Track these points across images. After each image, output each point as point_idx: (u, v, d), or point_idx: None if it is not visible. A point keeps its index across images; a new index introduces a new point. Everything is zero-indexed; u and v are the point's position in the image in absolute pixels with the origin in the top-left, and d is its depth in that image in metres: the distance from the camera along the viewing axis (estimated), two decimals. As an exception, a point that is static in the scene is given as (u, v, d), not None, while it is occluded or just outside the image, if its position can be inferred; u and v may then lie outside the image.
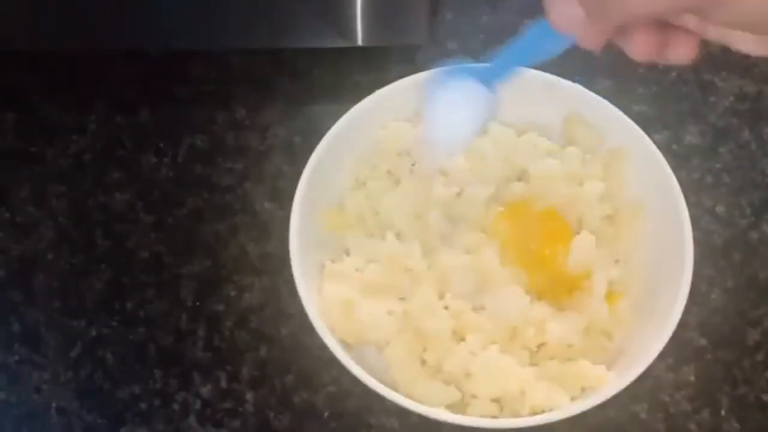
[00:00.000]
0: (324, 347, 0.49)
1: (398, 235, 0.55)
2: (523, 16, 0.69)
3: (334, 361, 0.49)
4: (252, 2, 0.60)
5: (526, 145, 0.57)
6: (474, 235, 0.54)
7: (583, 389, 0.50)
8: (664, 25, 0.37)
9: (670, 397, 0.55)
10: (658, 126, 0.64)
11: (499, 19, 0.70)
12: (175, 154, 0.63)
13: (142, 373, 0.55)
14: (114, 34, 0.63)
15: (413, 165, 0.57)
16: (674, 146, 0.64)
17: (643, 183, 0.56)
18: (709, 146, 0.65)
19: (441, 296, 0.52)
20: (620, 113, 0.56)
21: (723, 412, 0.55)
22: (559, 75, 0.57)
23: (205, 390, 0.55)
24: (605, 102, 0.57)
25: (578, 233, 0.54)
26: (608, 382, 0.49)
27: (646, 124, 0.56)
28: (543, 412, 0.48)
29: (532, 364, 0.51)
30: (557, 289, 0.54)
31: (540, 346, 0.52)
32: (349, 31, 0.62)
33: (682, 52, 0.37)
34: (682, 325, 0.49)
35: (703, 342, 0.57)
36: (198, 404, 0.54)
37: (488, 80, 0.46)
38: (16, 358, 0.56)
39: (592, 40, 0.38)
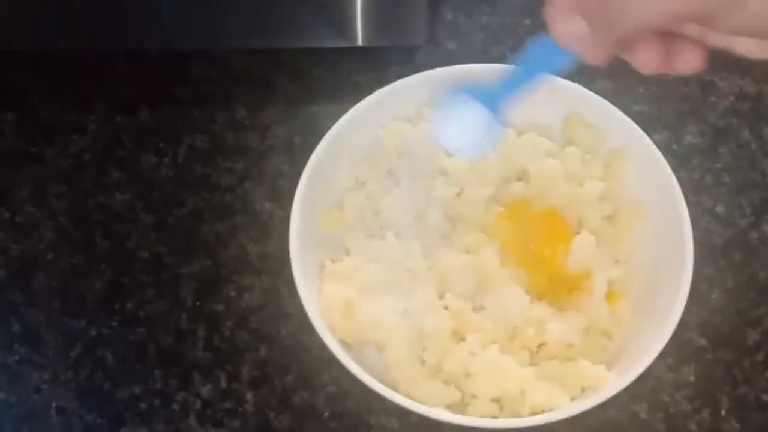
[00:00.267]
0: (324, 347, 0.49)
1: (398, 235, 0.55)
2: (522, 16, 0.70)
3: (334, 361, 0.49)
4: (252, 2, 0.60)
5: (526, 145, 0.57)
6: (474, 235, 0.54)
7: (583, 389, 0.50)
8: (668, 36, 0.37)
9: (670, 397, 0.55)
10: (658, 126, 0.64)
11: (499, 19, 0.70)
12: (175, 154, 0.63)
13: (142, 373, 0.55)
14: (114, 34, 0.63)
15: (413, 165, 0.57)
16: (674, 146, 0.64)
17: (643, 183, 0.56)
18: (709, 146, 0.65)
19: (441, 296, 0.52)
20: (620, 113, 0.56)
21: (723, 412, 0.55)
22: (559, 75, 0.57)
23: (205, 390, 0.55)
24: (605, 102, 0.57)
25: (578, 233, 0.54)
26: (608, 382, 0.49)
27: (646, 124, 0.56)
28: (543, 412, 0.48)
29: (532, 364, 0.51)
30: (557, 289, 0.54)
31: (540, 346, 0.52)
32: (349, 32, 0.62)
33: (688, 61, 0.37)
34: (682, 325, 0.49)
35: (703, 342, 0.57)
36: (198, 404, 0.54)
37: (494, 102, 0.46)
38: (16, 358, 0.56)
39: (596, 56, 0.37)
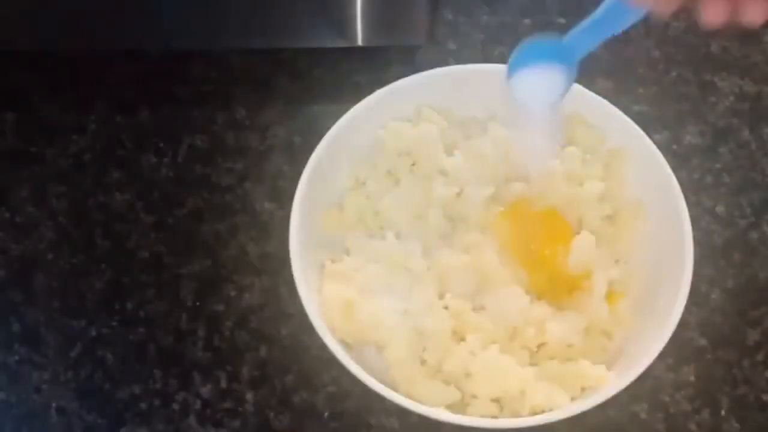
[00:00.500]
0: (324, 347, 0.49)
1: (398, 235, 0.55)
2: (522, 16, 0.70)
3: (334, 361, 0.49)
4: (252, 2, 0.60)
5: (526, 145, 0.57)
6: (474, 235, 0.54)
7: (583, 389, 0.50)
8: None
9: (670, 397, 0.55)
10: (658, 126, 0.64)
11: (499, 19, 0.70)
12: (175, 154, 0.63)
13: (142, 373, 0.55)
14: (114, 34, 0.63)
15: (413, 165, 0.57)
16: (674, 146, 0.64)
17: (643, 183, 0.56)
18: (709, 146, 0.65)
19: (441, 296, 0.52)
20: (620, 113, 0.57)
21: (723, 412, 0.55)
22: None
23: (205, 390, 0.55)
24: (605, 102, 0.57)
25: (578, 233, 0.54)
26: (608, 382, 0.49)
27: (646, 124, 0.57)
28: (543, 412, 0.48)
29: (532, 364, 0.51)
30: (557, 289, 0.54)
31: (540, 346, 0.52)
32: (349, 32, 0.62)
33: (753, 14, 0.38)
34: (682, 325, 0.49)
35: (703, 342, 0.57)
36: (198, 404, 0.54)
37: (565, 58, 0.47)
38: (16, 358, 0.56)
39: (666, 7, 0.38)
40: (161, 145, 0.64)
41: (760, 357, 0.57)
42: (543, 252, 0.54)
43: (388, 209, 0.55)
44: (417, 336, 0.51)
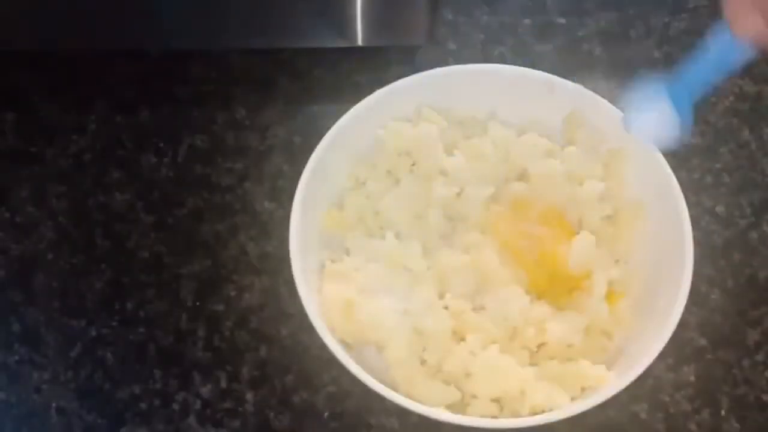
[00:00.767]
0: (324, 347, 0.49)
1: (398, 235, 0.55)
2: (522, 16, 0.70)
3: (334, 361, 0.49)
4: (252, 2, 0.60)
5: (526, 145, 0.57)
6: (474, 234, 0.54)
7: (583, 389, 0.50)
8: None
9: (670, 397, 0.55)
10: (658, 126, 0.64)
11: (499, 19, 0.70)
12: (175, 154, 0.63)
13: (142, 373, 0.55)
14: (114, 34, 0.63)
15: (413, 165, 0.57)
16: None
17: (643, 183, 0.56)
18: (709, 146, 0.65)
19: (441, 296, 0.52)
20: (620, 113, 0.56)
21: (723, 412, 0.55)
22: (559, 75, 0.57)
23: (205, 390, 0.55)
24: (605, 102, 0.57)
25: (578, 233, 0.54)
26: (608, 382, 0.49)
27: (646, 124, 0.56)
28: (543, 412, 0.48)
29: (532, 364, 0.51)
30: (557, 289, 0.54)
31: (540, 346, 0.52)
32: (349, 32, 0.62)
33: None
34: (682, 325, 0.49)
35: (703, 342, 0.57)
36: (198, 404, 0.54)
37: (679, 101, 0.49)
38: (16, 358, 0.56)
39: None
40: (161, 145, 0.64)
41: (760, 357, 0.57)
42: (543, 252, 0.54)
43: (388, 209, 0.55)
44: (417, 336, 0.51)
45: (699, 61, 0.48)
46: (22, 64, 0.66)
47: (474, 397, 0.50)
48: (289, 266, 0.51)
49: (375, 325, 0.51)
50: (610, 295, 0.53)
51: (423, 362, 0.51)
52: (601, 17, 0.70)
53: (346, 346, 0.51)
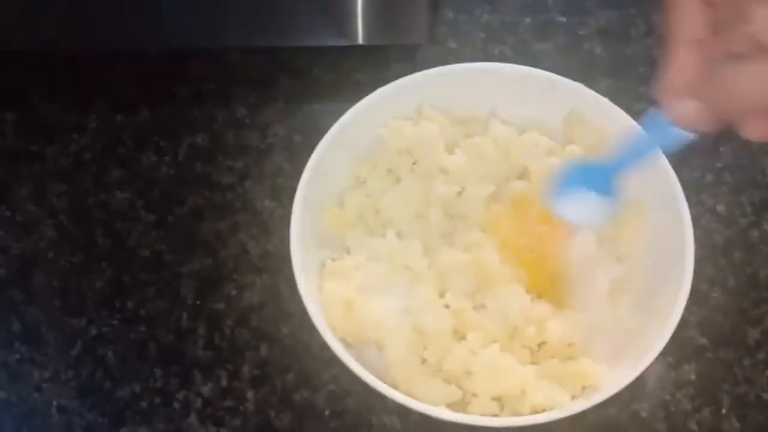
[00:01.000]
0: (324, 346, 0.49)
1: (399, 234, 0.55)
2: (523, 15, 0.70)
3: (334, 360, 0.49)
4: (252, 2, 0.60)
5: (527, 144, 0.57)
6: (474, 233, 0.54)
7: (583, 388, 0.50)
8: None
9: (671, 396, 0.55)
10: (659, 125, 0.64)
11: (499, 18, 0.70)
12: (176, 152, 0.63)
13: (143, 371, 0.55)
14: (114, 34, 0.63)
15: (414, 163, 0.57)
16: (675, 145, 0.64)
17: (643, 182, 0.56)
18: (710, 145, 0.65)
19: (441, 295, 0.52)
20: (621, 112, 0.56)
21: (724, 411, 0.55)
22: (559, 74, 0.57)
23: (206, 389, 0.55)
24: (606, 101, 0.57)
25: (578, 232, 0.54)
26: (609, 381, 0.49)
27: (646, 122, 0.56)
28: (544, 410, 0.48)
29: (533, 363, 0.51)
30: (558, 287, 0.54)
31: (540, 344, 0.52)
32: (349, 30, 0.62)
33: None
34: (682, 323, 0.49)
35: (703, 341, 0.57)
36: (199, 403, 0.54)
37: (607, 177, 0.48)
38: (17, 356, 0.56)
39: (709, 128, 0.40)
40: (161, 143, 0.64)
41: (760, 356, 0.57)
42: (544, 251, 0.54)
43: (389, 208, 0.55)
44: (417, 335, 0.51)
45: (632, 146, 0.46)
46: (22, 64, 0.66)
47: (475, 395, 0.50)
48: (290, 265, 0.51)
49: (375, 323, 0.51)
50: (610, 294, 0.53)
51: (423, 361, 0.51)
52: (601, 16, 0.70)
53: (347, 345, 0.51)
